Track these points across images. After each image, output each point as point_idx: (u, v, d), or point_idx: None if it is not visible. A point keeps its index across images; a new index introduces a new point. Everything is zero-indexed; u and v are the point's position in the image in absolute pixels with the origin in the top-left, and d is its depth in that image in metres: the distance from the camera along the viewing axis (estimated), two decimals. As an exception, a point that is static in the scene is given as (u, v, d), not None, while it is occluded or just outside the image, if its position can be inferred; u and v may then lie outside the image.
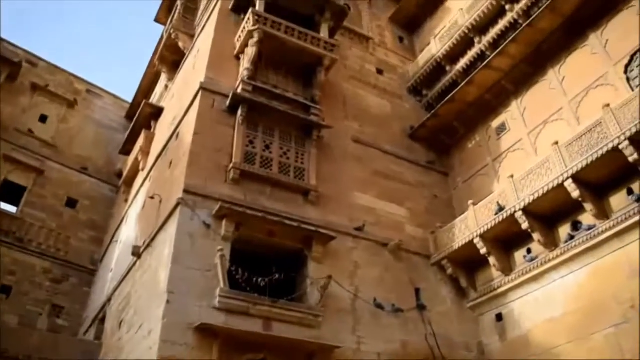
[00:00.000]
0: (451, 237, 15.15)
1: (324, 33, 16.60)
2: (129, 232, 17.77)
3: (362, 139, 16.98)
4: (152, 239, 13.56)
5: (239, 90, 14.44)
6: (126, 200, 20.56)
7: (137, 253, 14.36)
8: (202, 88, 14.51)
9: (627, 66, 13.36)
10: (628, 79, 13.20)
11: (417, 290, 14.58)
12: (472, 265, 14.89)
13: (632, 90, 12.72)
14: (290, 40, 15.58)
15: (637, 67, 13.18)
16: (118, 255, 18.04)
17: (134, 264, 14.67)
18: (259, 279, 11.70)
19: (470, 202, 15.08)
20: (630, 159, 11.23)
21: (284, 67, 16.04)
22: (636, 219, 11.24)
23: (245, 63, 15.11)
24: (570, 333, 11.96)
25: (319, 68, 16.13)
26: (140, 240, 15.02)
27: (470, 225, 14.58)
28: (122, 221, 19.71)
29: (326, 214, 14.26)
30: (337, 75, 17.69)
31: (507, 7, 16.91)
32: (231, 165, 13.36)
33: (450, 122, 18.11)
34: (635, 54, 13.21)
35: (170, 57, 20.88)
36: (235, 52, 15.83)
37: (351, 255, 14.01)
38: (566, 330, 12.10)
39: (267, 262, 12.41)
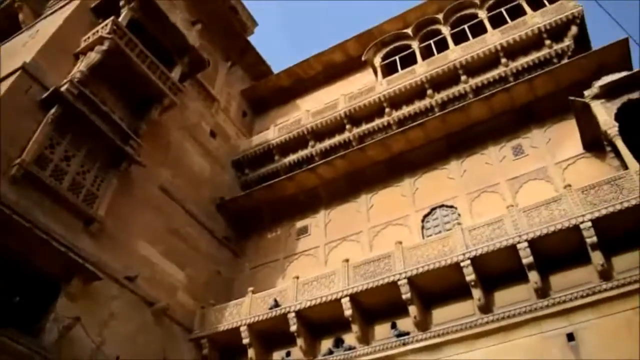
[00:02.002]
0: (219, 318, 14.63)
1: (175, 74, 16.07)
2: None
3: (170, 190, 16.21)
4: None
5: (62, 89, 13.04)
6: None
7: None
8: (24, 68, 12.82)
9: (425, 216, 14.89)
10: (423, 227, 14.64)
11: (166, 362, 13.57)
12: (230, 352, 14.34)
13: (423, 238, 14.09)
14: (138, 65, 14.73)
15: (433, 220, 14.72)
16: None
17: None
18: (-7, 297, 9.95)
19: (250, 289, 14.86)
20: (404, 296, 12.14)
21: (120, 89, 14.95)
22: (392, 352, 12.02)
23: (82, 66, 13.84)
24: None
25: (156, 104, 15.41)
26: None
27: (243, 312, 14.27)
28: None
29: (101, 252, 12.96)
30: (170, 120, 17.04)
31: (347, 126, 18.16)
32: (18, 160, 11.66)
33: (260, 208, 18.22)
34: (435, 208, 14.79)
35: (1, 24, 18.43)
36: (77, 50, 14.45)
37: (110, 304, 12.72)
38: None
39: (14, 280, 10.67)
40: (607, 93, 12.26)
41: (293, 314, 13.32)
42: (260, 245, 17.96)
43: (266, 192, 17.96)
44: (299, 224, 17.55)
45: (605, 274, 10.62)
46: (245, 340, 13.76)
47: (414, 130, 16.09)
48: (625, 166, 11.64)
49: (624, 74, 12.46)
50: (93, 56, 13.91)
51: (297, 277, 14.20)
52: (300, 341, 13.21)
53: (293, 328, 13.23)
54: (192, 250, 16.24)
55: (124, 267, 13.48)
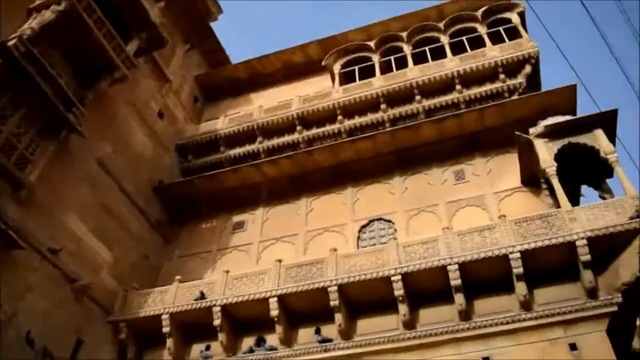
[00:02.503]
0: (142, 304, 14.23)
1: (130, 48, 15.49)
2: None
3: (108, 166, 15.64)
4: None
5: (9, 43, 12.31)
6: None
7: None
8: (-31, 16, 12.08)
9: (362, 227, 15.07)
10: (359, 238, 14.81)
11: (79, 342, 13.02)
12: (148, 340, 13.94)
13: (358, 248, 14.28)
14: (94, 32, 14.05)
15: (369, 232, 14.91)
16: None
17: None
18: None
19: (177, 277, 14.54)
20: (332, 303, 12.26)
21: (71, 54, 14.16)
22: (313, 357, 12.13)
23: (35, 23, 13.08)
24: None
25: (106, 76, 14.79)
26: None
27: (167, 300, 13.94)
28: None
29: (27, 220, 12.31)
30: (118, 94, 16.47)
31: (298, 127, 18.16)
32: (-51, 111, 10.94)
33: (199, 197, 17.88)
34: (373, 220, 14.99)
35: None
36: (32, 6, 13.67)
37: (29, 275, 12.11)
38: None
39: None
40: (551, 133, 12.83)
41: (219, 308, 13.16)
42: (193, 234, 17.62)
43: (207, 181, 17.65)
44: (236, 218, 17.34)
45: (526, 305, 11.11)
46: (166, 329, 13.45)
47: (363, 142, 16.26)
48: (557, 205, 12.20)
49: (568, 117, 13.13)
50: (47, 15, 13.22)
51: (227, 272, 14.05)
52: (222, 336, 13.04)
53: (217, 322, 13.05)
54: (123, 230, 15.75)
55: (49, 238, 12.87)
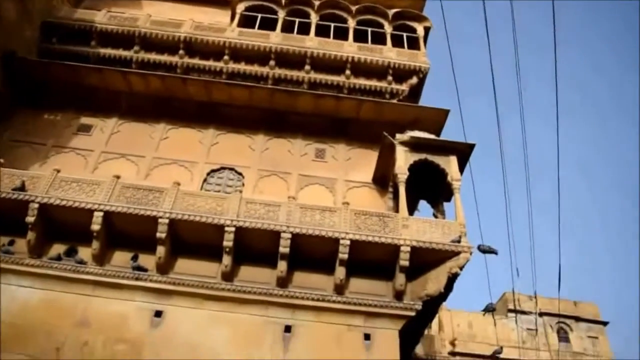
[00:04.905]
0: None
1: None
2: None
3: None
4: None
5: None
6: None
7: None
8: None
9: (213, 171, 14.97)
10: (205, 180, 14.70)
11: None
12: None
13: (202, 189, 14.21)
14: None
15: (217, 177, 14.85)
16: None
17: None
18: None
19: (0, 160, 13.21)
20: (159, 235, 12.07)
21: None
22: (121, 281, 11.95)
23: None
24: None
25: None
26: None
27: (-20, 181, 12.62)
28: None
29: None
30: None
31: (180, 52, 17.28)
32: None
33: (52, 84, 16.17)
34: (225, 168, 14.98)
35: None
36: None
37: None
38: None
39: None
40: (413, 145, 13.72)
41: (36, 205, 12.25)
42: (32, 121, 15.90)
43: (67, 71, 16.00)
44: (85, 120, 16.04)
45: (340, 289, 11.92)
46: (-34, 211, 12.21)
47: (240, 89, 15.93)
48: (397, 209, 13.12)
49: (432, 136, 14.18)
50: None
51: (58, 171, 13.10)
52: (31, 235, 12.13)
53: (30, 219, 12.13)
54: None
55: None
